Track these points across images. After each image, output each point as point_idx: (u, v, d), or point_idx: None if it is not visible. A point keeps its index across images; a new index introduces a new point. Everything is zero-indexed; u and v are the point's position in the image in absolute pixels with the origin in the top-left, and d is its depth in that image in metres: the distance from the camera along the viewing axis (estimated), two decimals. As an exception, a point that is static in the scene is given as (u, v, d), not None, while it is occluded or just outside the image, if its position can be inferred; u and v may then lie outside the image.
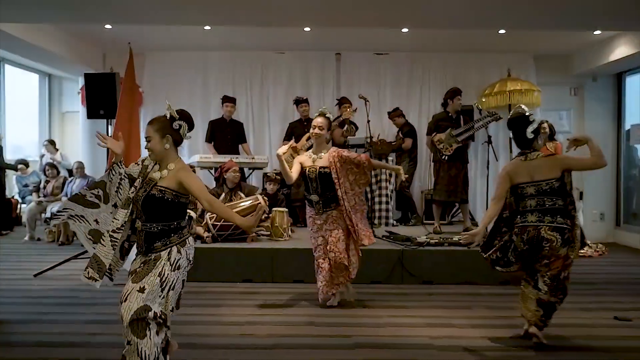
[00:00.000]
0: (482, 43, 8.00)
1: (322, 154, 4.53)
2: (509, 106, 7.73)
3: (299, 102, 7.64)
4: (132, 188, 2.86)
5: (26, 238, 7.95)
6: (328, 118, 4.68)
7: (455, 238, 5.81)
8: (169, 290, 2.78)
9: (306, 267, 5.44)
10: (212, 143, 7.67)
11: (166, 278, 2.76)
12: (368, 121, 6.43)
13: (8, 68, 9.15)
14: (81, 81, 8.27)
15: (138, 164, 2.95)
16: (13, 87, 9.38)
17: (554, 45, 8.02)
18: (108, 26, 7.00)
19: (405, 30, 7.20)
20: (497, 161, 6.39)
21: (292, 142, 7.50)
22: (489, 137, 5.82)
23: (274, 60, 8.56)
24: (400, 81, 8.57)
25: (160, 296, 2.74)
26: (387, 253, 5.54)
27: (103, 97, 6.15)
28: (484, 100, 7.94)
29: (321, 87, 8.55)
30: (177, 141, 2.87)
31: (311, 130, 4.66)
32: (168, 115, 2.84)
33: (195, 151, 7.78)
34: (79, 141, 9.16)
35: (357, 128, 7.82)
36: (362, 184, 4.59)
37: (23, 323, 4.07)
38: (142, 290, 2.69)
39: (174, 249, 2.81)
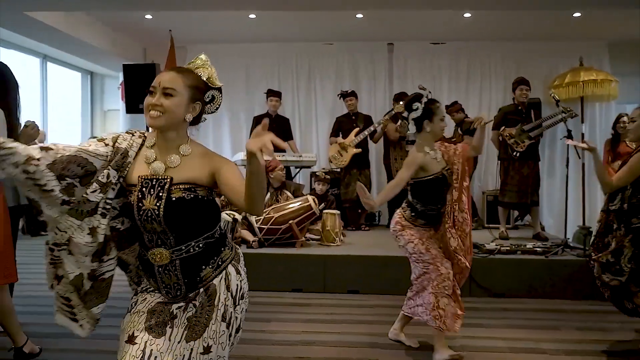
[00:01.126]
0: (550, 30, 7.28)
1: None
2: (581, 99, 7.01)
3: (345, 95, 7.10)
4: (104, 197, 1.77)
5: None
6: None
7: (529, 245, 5.15)
8: (236, 333, 1.94)
9: (360, 276, 4.94)
10: (257, 140, 7.19)
11: (232, 318, 1.88)
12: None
13: (51, 66, 8.99)
14: (122, 77, 7.99)
15: (106, 144, 1.81)
16: (56, 86, 9.22)
17: (630, 30, 7.21)
18: (148, 16, 6.65)
19: (467, 15, 6.57)
20: (579, 159, 5.67)
21: (339, 138, 7.04)
22: (569, 131, 5.14)
23: (322, 52, 8.06)
24: (458, 73, 7.92)
25: (229, 346, 1.91)
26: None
27: (143, 90, 5.73)
28: (554, 93, 7.21)
29: (372, 80, 8.00)
30: (196, 119, 1.87)
31: None
32: (206, 77, 1.86)
33: (237, 148, 7.35)
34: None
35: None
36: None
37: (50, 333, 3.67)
38: (207, 350, 1.81)
39: (231, 269, 1.90)
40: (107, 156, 1.77)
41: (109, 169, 1.76)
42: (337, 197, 6.80)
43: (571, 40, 7.58)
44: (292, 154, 7.01)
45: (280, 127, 7.26)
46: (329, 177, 6.50)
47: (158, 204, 1.73)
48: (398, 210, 3.46)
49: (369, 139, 6.99)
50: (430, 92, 5.62)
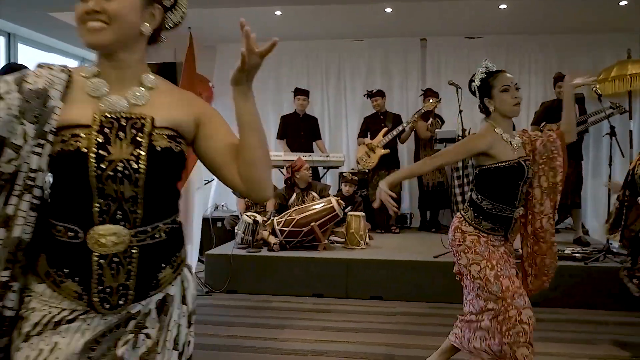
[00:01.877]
0: (595, 20, 6.81)
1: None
2: (629, 93, 6.55)
3: (371, 95, 6.87)
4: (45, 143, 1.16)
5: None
6: None
7: (567, 251, 4.80)
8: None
9: (385, 281, 4.72)
10: (285, 140, 7.07)
11: (184, 345, 1.35)
12: (460, 112, 5.52)
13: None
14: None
15: (6, 93, 1.16)
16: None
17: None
18: (175, 16, 6.60)
19: (503, 6, 6.23)
20: (623, 157, 5.27)
21: (366, 139, 6.82)
22: (612, 128, 4.77)
23: (352, 49, 7.82)
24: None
25: None
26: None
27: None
28: (597, 87, 6.76)
29: (404, 77, 7.71)
30: (155, 35, 1.33)
31: None
32: None
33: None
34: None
35: (443, 121, 6.95)
36: None
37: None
38: None
39: (187, 273, 1.38)
40: (12, 109, 1.14)
41: (23, 124, 1.14)
42: (365, 199, 6.59)
43: (618, 31, 7.08)
44: (319, 154, 6.85)
45: (309, 126, 7.11)
46: (356, 178, 6.29)
47: (136, 154, 1.18)
48: (458, 213, 2.67)
49: (397, 138, 6.75)
50: (460, 88, 5.42)
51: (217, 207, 7.44)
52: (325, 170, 7.03)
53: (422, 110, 6.45)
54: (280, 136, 7.11)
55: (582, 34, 7.21)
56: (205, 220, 5.06)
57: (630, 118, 6.23)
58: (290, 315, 4.23)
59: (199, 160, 1.36)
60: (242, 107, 1.24)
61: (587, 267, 4.51)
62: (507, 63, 7.49)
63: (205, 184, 5.61)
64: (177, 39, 6.91)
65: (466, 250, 2.54)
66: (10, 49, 8.45)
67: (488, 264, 2.48)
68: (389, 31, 7.39)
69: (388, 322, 4.03)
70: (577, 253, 4.74)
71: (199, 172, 4.15)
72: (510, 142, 2.57)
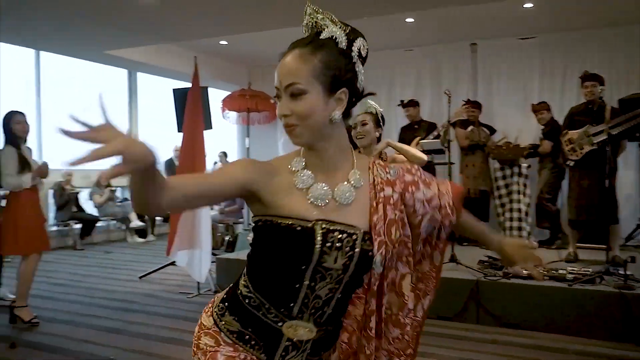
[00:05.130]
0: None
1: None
2: None
3: (405, 105, 6.80)
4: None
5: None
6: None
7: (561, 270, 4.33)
8: None
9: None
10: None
11: None
12: (448, 121, 5.39)
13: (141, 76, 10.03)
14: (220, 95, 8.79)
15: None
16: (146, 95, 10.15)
17: None
18: (223, 42, 7.28)
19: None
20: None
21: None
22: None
23: (401, 59, 7.80)
24: (552, 69, 6.95)
25: None
26: (459, 286, 4.39)
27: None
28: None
29: (454, 84, 7.47)
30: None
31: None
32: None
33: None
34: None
35: (492, 131, 6.65)
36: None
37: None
38: None
39: None
40: None
41: None
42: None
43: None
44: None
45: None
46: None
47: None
48: None
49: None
50: (450, 96, 5.26)
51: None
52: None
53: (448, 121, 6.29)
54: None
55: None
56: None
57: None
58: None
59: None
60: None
61: (572, 290, 4.07)
62: (566, 63, 6.91)
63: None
64: (251, 63, 7.67)
65: None
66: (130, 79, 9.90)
67: None
68: (437, 38, 7.25)
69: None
70: (573, 273, 4.28)
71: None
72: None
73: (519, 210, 6.17)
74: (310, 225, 1.16)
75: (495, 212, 6.46)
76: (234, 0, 5.42)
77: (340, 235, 1.17)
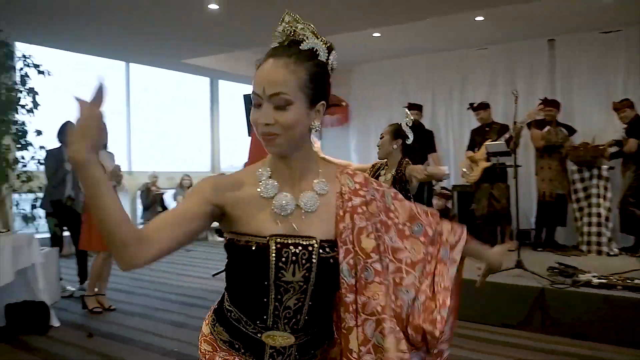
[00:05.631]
0: None
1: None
2: None
3: (475, 108, 6.59)
4: None
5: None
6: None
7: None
8: None
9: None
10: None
11: None
12: (514, 122, 5.17)
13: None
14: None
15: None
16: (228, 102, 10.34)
17: None
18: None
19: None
20: None
21: (469, 152, 6.56)
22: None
23: (475, 58, 7.58)
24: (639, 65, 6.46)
25: None
26: (523, 293, 4.22)
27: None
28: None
29: (529, 82, 7.15)
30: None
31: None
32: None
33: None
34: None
35: (572, 131, 6.31)
36: None
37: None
38: None
39: None
40: None
41: None
42: (470, 214, 6.41)
43: None
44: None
45: (422, 139, 7.17)
46: (447, 192, 6.19)
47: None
48: None
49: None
50: (517, 97, 5.04)
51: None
52: (434, 183, 7.00)
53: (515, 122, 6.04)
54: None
55: None
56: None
57: None
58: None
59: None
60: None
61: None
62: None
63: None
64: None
65: None
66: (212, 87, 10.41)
67: None
68: (513, 35, 6.99)
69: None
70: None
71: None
72: None
73: (599, 215, 5.81)
74: (265, 241, 1.18)
75: (572, 216, 6.13)
76: (298, 6, 5.55)
77: (295, 249, 1.18)
